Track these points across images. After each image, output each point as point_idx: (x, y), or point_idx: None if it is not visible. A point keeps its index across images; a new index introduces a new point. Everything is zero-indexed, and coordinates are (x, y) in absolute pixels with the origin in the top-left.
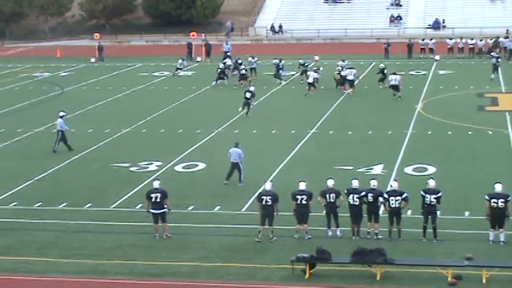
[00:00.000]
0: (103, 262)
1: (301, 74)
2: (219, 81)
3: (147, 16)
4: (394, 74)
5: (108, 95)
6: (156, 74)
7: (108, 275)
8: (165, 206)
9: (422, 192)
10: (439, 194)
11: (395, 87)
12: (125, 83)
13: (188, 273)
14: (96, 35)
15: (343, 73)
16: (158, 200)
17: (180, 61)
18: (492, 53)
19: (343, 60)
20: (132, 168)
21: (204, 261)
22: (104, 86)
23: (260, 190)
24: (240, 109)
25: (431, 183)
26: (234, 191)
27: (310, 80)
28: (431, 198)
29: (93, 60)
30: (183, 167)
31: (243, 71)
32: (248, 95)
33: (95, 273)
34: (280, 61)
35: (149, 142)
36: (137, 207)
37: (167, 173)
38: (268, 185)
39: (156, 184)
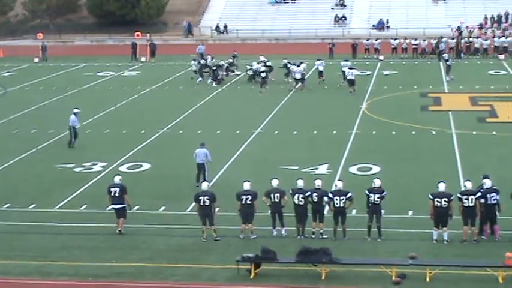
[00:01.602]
0: (47, 263)
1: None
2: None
3: (91, 16)
4: (351, 68)
5: (52, 95)
6: (100, 74)
7: (52, 276)
8: (124, 202)
9: (367, 192)
10: (384, 194)
11: (351, 82)
12: (69, 83)
13: (133, 274)
14: (40, 35)
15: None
16: (117, 194)
17: (193, 62)
18: (444, 55)
19: (346, 60)
20: (76, 169)
21: (150, 262)
22: (48, 86)
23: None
24: (260, 93)
25: (377, 182)
26: (179, 191)
27: (298, 76)
28: (375, 198)
29: (36, 60)
30: (128, 168)
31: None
32: (264, 74)
33: (39, 275)
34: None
35: (94, 142)
36: (82, 208)
37: (112, 173)
38: (204, 185)
39: (116, 179)
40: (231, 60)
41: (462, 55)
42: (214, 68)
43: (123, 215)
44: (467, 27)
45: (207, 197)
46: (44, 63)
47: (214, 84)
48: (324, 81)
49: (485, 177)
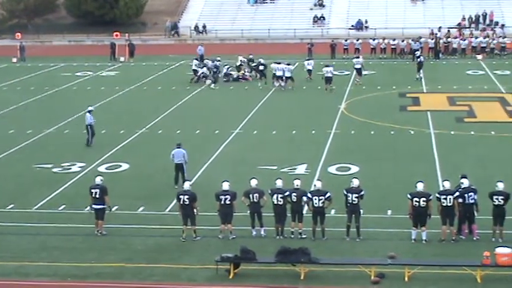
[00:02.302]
0: (26, 264)
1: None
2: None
3: (69, 16)
4: (327, 66)
5: (30, 96)
6: (78, 74)
7: (31, 277)
8: (105, 203)
9: (345, 192)
10: (362, 193)
11: (328, 79)
12: (47, 83)
13: (112, 274)
14: (18, 35)
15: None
16: (97, 195)
17: (195, 61)
18: (416, 53)
19: (357, 57)
20: (54, 170)
21: (129, 262)
22: (26, 86)
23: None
24: (260, 86)
25: (355, 182)
26: (157, 191)
27: (288, 74)
28: (353, 197)
29: (14, 60)
30: (107, 168)
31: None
32: (262, 67)
33: (18, 275)
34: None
35: (72, 143)
36: (60, 208)
37: (90, 174)
38: (186, 185)
39: (97, 180)
40: (245, 60)
41: (440, 55)
42: (215, 69)
43: (101, 216)
44: (440, 30)
45: (187, 196)
46: (22, 63)
47: (212, 86)
48: (311, 79)
49: (463, 176)
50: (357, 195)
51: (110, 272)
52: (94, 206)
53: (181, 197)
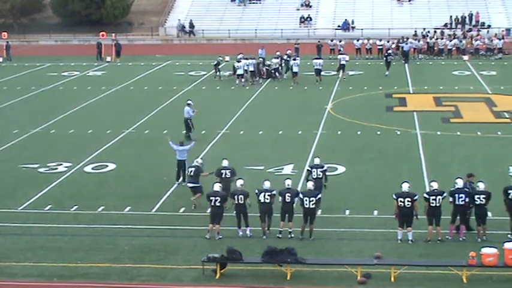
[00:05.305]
0: (11, 264)
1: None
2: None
3: (56, 15)
4: (317, 59)
5: (16, 95)
6: (65, 74)
7: (17, 277)
8: (199, 182)
9: (308, 168)
10: (325, 168)
11: (318, 71)
12: (33, 83)
13: (99, 275)
14: (4, 34)
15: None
16: (192, 174)
17: (251, 60)
18: (389, 51)
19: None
20: (40, 170)
21: (115, 262)
22: (12, 86)
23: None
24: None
25: (316, 160)
26: (144, 191)
27: (296, 69)
28: (318, 172)
29: (0, 60)
30: (93, 168)
31: (295, 69)
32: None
33: (4, 276)
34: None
35: (58, 143)
36: (46, 208)
37: (76, 174)
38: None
39: (195, 162)
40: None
41: (420, 56)
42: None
43: (196, 192)
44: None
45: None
46: (8, 62)
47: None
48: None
49: (459, 177)
50: (321, 169)
51: (96, 272)
52: (188, 184)
53: (189, 185)
